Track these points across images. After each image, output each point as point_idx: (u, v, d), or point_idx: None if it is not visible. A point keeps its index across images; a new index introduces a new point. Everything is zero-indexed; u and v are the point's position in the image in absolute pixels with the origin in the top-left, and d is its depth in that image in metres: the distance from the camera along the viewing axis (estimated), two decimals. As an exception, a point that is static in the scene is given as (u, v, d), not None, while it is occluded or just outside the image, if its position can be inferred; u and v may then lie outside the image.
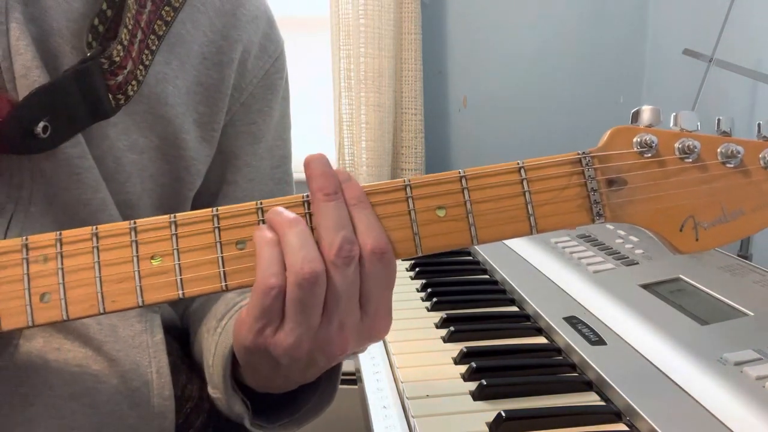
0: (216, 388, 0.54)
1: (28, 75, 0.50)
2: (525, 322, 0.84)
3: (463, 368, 0.71)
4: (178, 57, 0.59)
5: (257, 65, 0.65)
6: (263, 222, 0.44)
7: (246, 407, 0.52)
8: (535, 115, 1.78)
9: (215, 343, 0.55)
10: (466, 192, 0.44)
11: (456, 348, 0.75)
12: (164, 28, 0.58)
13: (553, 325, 0.77)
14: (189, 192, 0.63)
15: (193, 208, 0.45)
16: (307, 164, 0.44)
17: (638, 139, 0.46)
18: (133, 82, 0.55)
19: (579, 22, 1.77)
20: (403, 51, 1.68)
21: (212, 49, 0.61)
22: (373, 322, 0.44)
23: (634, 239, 1.00)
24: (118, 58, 0.53)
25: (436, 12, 1.74)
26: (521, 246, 1.07)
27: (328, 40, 1.68)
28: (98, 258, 0.43)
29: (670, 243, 0.46)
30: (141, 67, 0.55)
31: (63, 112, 0.51)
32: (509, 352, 0.75)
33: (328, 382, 0.54)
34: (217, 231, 0.43)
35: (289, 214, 0.42)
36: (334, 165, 1.71)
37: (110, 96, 0.53)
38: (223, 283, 0.43)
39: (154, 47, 0.57)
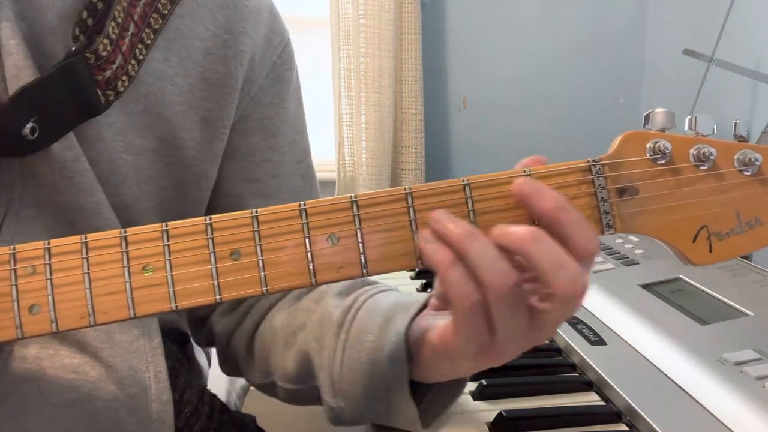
0: (340, 396, 0.53)
1: (20, 75, 0.49)
2: (525, 322, 0.84)
3: (463, 368, 0.71)
4: (177, 54, 0.57)
5: (264, 57, 0.63)
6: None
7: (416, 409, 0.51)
8: (535, 115, 1.78)
9: (341, 350, 0.53)
10: (470, 201, 0.42)
11: (456, 348, 0.75)
12: (160, 22, 0.56)
13: (553, 325, 0.77)
14: (196, 193, 0.62)
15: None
16: (523, 193, 0.41)
17: (651, 146, 0.44)
18: (124, 77, 0.53)
19: (579, 22, 1.77)
20: (403, 51, 1.68)
21: (216, 43, 0.60)
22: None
23: (634, 239, 1.00)
24: (105, 53, 0.51)
25: (436, 12, 1.74)
26: (521, 246, 1.06)
27: (328, 40, 1.68)
28: (88, 269, 0.41)
29: (683, 254, 0.44)
30: (133, 61, 0.54)
31: (50, 112, 0.49)
32: (509, 352, 0.75)
33: None
34: (210, 242, 0.41)
35: (464, 225, 0.40)
36: (334, 165, 1.72)
37: (99, 92, 0.52)
38: (217, 296, 0.41)
39: (149, 41, 0.55)
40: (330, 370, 0.53)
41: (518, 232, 0.39)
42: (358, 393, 0.52)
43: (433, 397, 0.53)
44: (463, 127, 1.81)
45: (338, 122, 1.69)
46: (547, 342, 0.77)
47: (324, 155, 1.75)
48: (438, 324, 0.46)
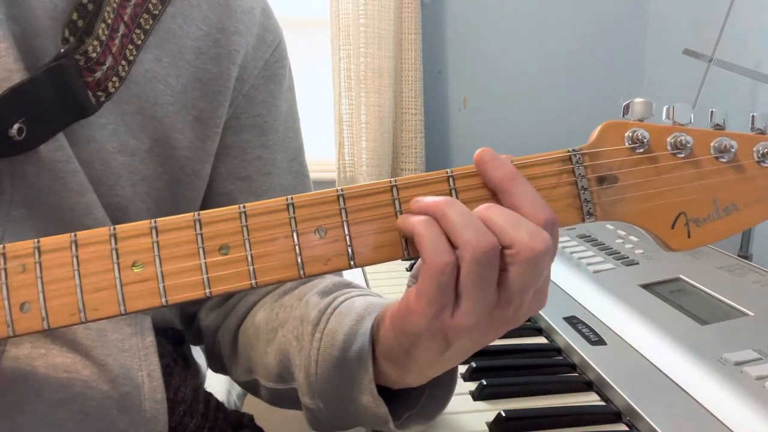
0: (317, 397, 0.53)
1: (10, 78, 0.49)
2: (525, 321, 0.84)
3: (463, 368, 0.71)
4: (169, 54, 0.57)
5: (256, 56, 0.63)
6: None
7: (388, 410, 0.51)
8: (535, 116, 1.78)
9: (316, 349, 0.53)
10: (453, 192, 0.43)
11: (456, 348, 0.75)
12: (151, 22, 0.56)
13: (553, 325, 0.78)
14: (189, 193, 0.62)
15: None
16: (480, 161, 0.43)
17: (630, 134, 0.45)
18: (114, 78, 0.53)
19: (579, 22, 1.77)
20: (403, 51, 1.68)
21: (208, 42, 0.60)
22: (543, 294, 0.44)
23: (634, 239, 1.00)
24: (94, 54, 0.51)
25: (436, 12, 1.74)
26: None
27: (328, 40, 1.68)
28: (78, 267, 0.41)
29: (662, 240, 0.46)
30: (123, 62, 0.54)
31: (38, 113, 0.49)
32: (509, 352, 0.75)
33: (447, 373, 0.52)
34: (199, 237, 0.42)
35: (439, 196, 0.42)
36: (334, 165, 1.71)
37: (90, 93, 0.52)
38: (207, 290, 0.42)
39: (139, 42, 0.55)
40: (307, 371, 0.54)
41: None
42: (332, 393, 0.52)
43: (423, 404, 0.52)
44: (463, 127, 1.81)
45: (338, 122, 1.69)
46: (547, 342, 0.77)
47: (324, 155, 1.75)
48: (399, 300, 0.46)
